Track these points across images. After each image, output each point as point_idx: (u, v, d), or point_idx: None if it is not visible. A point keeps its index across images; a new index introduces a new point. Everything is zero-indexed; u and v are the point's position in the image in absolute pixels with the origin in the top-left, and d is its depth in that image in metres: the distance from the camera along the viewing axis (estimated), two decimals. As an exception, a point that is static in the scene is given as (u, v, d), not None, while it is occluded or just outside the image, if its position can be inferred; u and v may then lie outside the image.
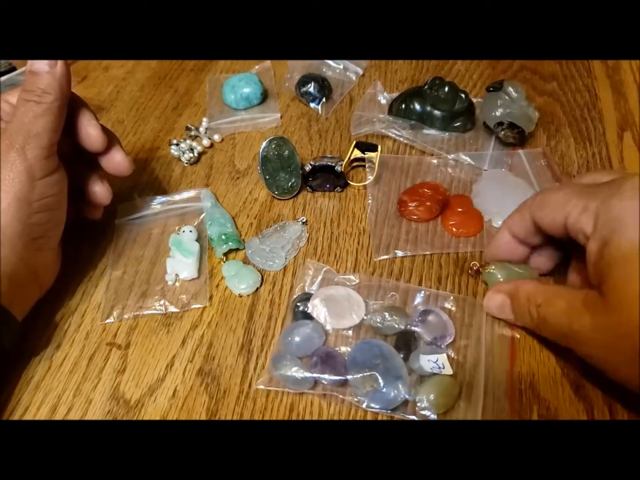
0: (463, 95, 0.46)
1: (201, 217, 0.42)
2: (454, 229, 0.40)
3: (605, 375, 0.27)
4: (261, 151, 0.42)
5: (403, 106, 0.47)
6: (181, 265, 0.38)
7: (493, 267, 0.35)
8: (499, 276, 0.35)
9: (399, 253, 0.39)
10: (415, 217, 0.41)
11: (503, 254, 0.35)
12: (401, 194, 0.42)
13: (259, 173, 0.43)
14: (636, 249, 0.24)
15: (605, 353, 0.26)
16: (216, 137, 0.49)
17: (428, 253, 0.39)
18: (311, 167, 0.42)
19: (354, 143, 0.43)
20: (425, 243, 0.39)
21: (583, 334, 0.27)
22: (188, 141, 0.49)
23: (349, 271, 0.38)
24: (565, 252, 0.35)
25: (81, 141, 0.36)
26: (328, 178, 0.43)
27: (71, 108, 0.35)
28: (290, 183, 0.43)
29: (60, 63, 0.33)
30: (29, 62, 0.33)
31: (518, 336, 0.34)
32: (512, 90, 0.45)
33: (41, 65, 0.33)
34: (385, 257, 0.39)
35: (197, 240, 0.40)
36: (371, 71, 0.55)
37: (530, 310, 0.31)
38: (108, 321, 0.37)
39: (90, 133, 0.36)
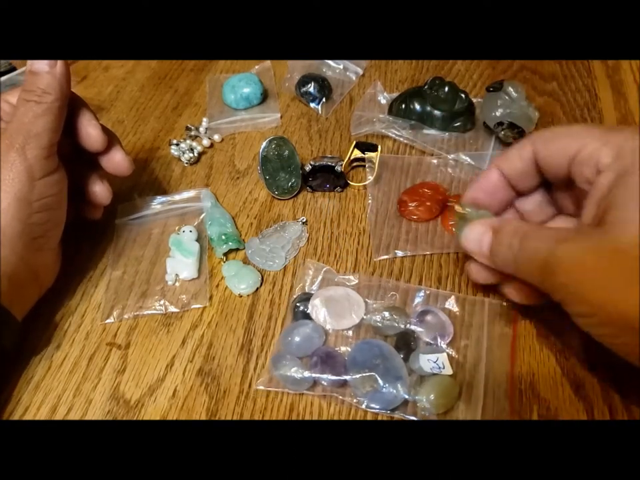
0: (463, 95, 0.46)
1: (201, 217, 0.42)
2: (454, 229, 0.40)
3: (584, 318, 0.25)
4: (260, 150, 0.42)
5: (403, 106, 0.47)
6: (181, 265, 0.38)
7: (469, 209, 0.31)
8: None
9: (399, 253, 0.39)
10: (414, 217, 0.41)
11: (486, 195, 0.32)
12: (401, 194, 0.42)
13: (259, 173, 0.43)
14: None
15: (593, 276, 0.23)
16: (216, 137, 0.49)
17: (428, 253, 0.39)
18: (310, 166, 0.42)
19: (354, 143, 0.43)
20: (424, 242, 0.39)
21: (568, 258, 0.24)
22: (188, 141, 0.49)
23: (348, 271, 0.38)
24: (552, 206, 0.32)
25: (81, 141, 0.36)
26: (328, 178, 0.43)
27: (71, 108, 0.35)
28: (290, 183, 0.43)
29: (60, 63, 0.33)
30: (29, 62, 0.33)
31: (518, 336, 0.34)
32: (512, 90, 0.45)
33: (41, 65, 0.33)
34: (385, 256, 0.39)
35: (197, 240, 0.40)
36: (371, 70, 0.55)
37: (512, 242, 0.27)
38: (108, 321, 0.37)
39: (90, 132, 0.36)
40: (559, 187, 0.30)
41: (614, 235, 0.23)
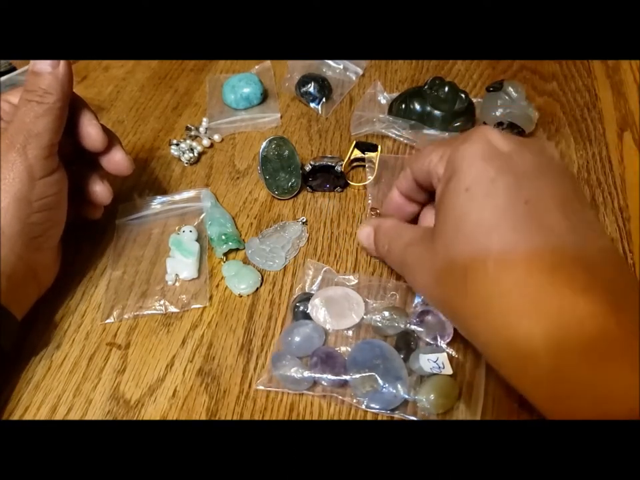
0: (462, 95, 0.46)
1: (201, 217, 0.42)
2: None
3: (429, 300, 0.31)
4: (260, 151, 0.42)
5: (403, 106, 0.47)
6: (181, 265, 0.38)
7: None
8: None
9: None
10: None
11: (394, 211, 0.36)
12: None
13: (259, 173, 0.43)
14: (465, 187, 0.26)
15: (420, 272, 0.29)
16: (216, 137, 0.49)
17: None
18: (310, 166, 0.42)
19: (354, 143, 0.43)
20: None
21: (410, 259, 0.30)
22: (188, 141, 0.49)
23: (348, 271, 0.38)
24: None
25: (82, 141, 0.36)
26: (328, 178, 0.43)
27: (71, 108, 0.35)
28: (290, 183, 0.43)
29: (62, 63, 0.33)
30: (31, 62, 0.33)
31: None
32: (512, 90, 0.45)
33: (43, 66, 0.33)
34: None
35: (197, 240, 0.40)
36: (371, 70, 0.55)
37: (384, 242, 0.33)
38: (108, 321, 0.37)
39: (90, 132, 0.36)
40: None
41: (437, 239, 0.27)
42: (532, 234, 0.24)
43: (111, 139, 0.37)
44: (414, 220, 0.36)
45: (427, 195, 0.34)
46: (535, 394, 0.24)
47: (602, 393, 0.21)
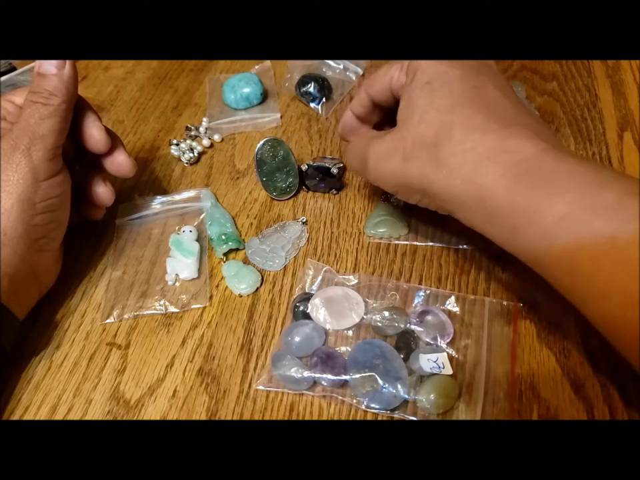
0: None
1: (201, 217, 0.42)
2: (456, 222, 0.39)
3: (391, 191, 0.34)
4: (255, 153, 0.42)
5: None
6: (181, 265, 0.38)
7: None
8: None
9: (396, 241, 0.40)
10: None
11: (349, 131, 0.39)
12: None
13: (256, 175, 0.43)
14: (426, 80, 0.31)
15: (383, 159, 0.32)
16: (216, 137, 0.49)
17: (423, 244, 0.39)
18: (307, 167, 0.42)
19: None
20: (422, 235, 0.40)
21: (373, 149, 0.33)
22: (188, 141, 0.49)
23: (348, 271, 0.38)
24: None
25: (84, 142, 0.36)
26: (324, 179, 0.43)
27: (74, 109, 0.35)
28: (287, 184, 0.43)
29: (68, 65, 0.33)
30: (37, 63, 0.33)
31: (518, 336, 0.34)
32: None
33: (49, 67, 0.33)
34: (379, 240, 0.40)
35: (197, 240, 0.40)
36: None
37: (351, 152, 0.37)
38: (108, 321, 0.37)
39: (93, 134, 0.36)
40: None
41: (401, 129, 0.31)
42: (482, 108, 0.29)
43: (114, 141, 0.37)
44: None
45: (380, 115, 0.38)
46: (496, 230, 0.28)
47: (547, 221, 0.25)
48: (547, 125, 0.32)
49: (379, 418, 0.31)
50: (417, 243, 0.39)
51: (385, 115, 0.38)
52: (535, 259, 0.27)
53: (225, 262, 0.39)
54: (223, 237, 0.40)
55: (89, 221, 0.41)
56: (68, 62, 0.33)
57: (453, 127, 0.29)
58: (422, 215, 0.40)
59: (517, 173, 0.26)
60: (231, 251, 0.40)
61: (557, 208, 0.25)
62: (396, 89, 0.34)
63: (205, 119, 0.51)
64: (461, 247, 0.39)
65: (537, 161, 0.26)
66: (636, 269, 0.23)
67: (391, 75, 0.34)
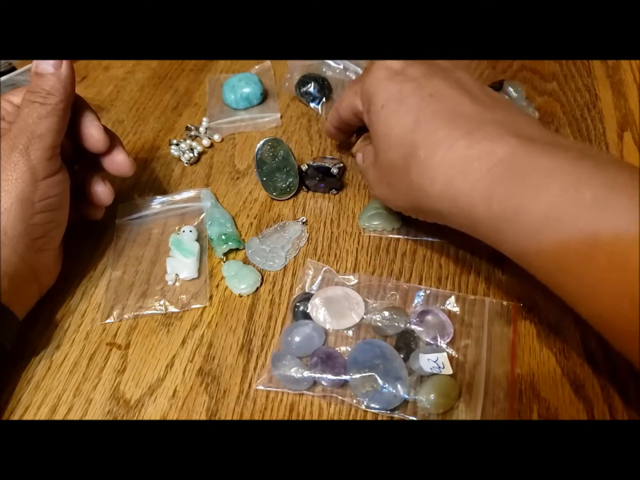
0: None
1: (201, 217, 0.42)
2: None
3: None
4: (255, 153, 0.42)
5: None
6: (181, 265, 0.38)
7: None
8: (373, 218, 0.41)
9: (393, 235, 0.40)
10: None
11: (333, 135, 0.43)
12: None
13: (256, 175, 0.43)
14: (381, 105, 0.31)
15: (378, 184, 0.34)
16: (216, 137, 0.49)
17: (423, 238, 0.39)
18: (307, 167, 0.42)
19: None
20: (415, 229, 0.40)
21: (370, 180, 0.35)
22: (188, 141, 0.49)
23: (348, 271, 0.38)
24: None
25: (83, 142, 0.36)
26: (324, 179, 0.43)
27: (73, 109, 0.35)
28: (287, 184, 0.43)
29: (65, 64, 0.33)
30: (34, 63, 0.33)
31: (518, 336, 0.34)
32: (512, 90, 0.45)
33: (46, 67, 0.33)
34: (374, 234, 0.40)
35: (197, 240, 0.40)
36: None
37: (364, 163, 0.37)
38: (108, 321, 0.37)
39: (92, 133, 0.36)
40: None
41: (378, 158, 0.32)
42: (444, 116, 0.29)
43: (113, 140, 0.37)
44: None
45: (355, 127, 0.40)
46: (483, 236, 0.28)
47: (529, 222, 0.25)
48: (515, 107, 0.31)
49: (379, 418, 0.31)
50: (410, 237, 0.40)
51: (360, 128, 0.40)
52: (523, 259, 0.27)
53: (224, 262, 0.39)
54: (223, 237, 0.40)
55: (88, 220, 0.41)
56: (65, 61, 0.33)
57: (418, 147, 0.29)
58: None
59: (491, 180, 0.26)
60: (231, 250, 0.40)
61: (537, 208, 0.24)
62: (358, 115, 0.36)
63: (204, 119, 0.51)
64: (453, 242, 0.39)
65: (510, 163, 0.26)
66: (623, 264, 0.22)
67: (349, 101, 0.36)
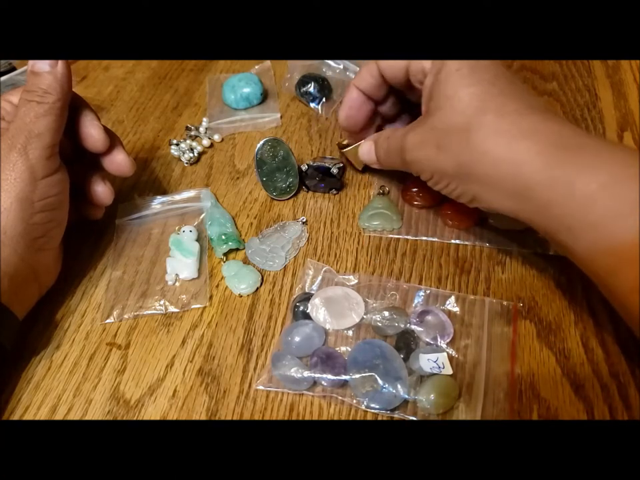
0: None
1: (201, 217, 0.42)
2: (448, 220, 0.40)
3: (429, 180, 0.35)
4: (255, 153, 0.42)
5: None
6: (181, 265, 0.38)
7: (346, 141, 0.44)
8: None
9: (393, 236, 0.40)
10: (416, 203, 0.41)
11: (353, 111, 0.40)
12: (408, 181, 0.42)
13: (256, 175, 0.43)
14: (456, 68, 0.32)
15: (421, 148, 0.33)
16: (216, 137, 0.49)
17: (423, 238, 0.39)
18: (307, 167, 0.42)
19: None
20: (415, 230, 0.40)
21: (410, 140, 0.34)
22: (188, 141, 0.49)
23: (348, 270, 0.38)
24: (403, 104, 0.41)
25: (83, 142, 0.36)
26: (324, 179, 0.43)
27: (73, 108, 0.35)
28: (287, 184, 0.43)
29: (61, 63, 0.33)
30: (30, 62, 0.33)
31: (518, 336, 0.34)
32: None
33: (42, 65, 0.33)
34: (374, 234, 0.40)
35: (197, 240, 0.40)
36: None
37: (383, 144, 0.38)
38: (108, 321, 0.37)
39: (92, 133, 0.36)
40: (406, 91, 0.39)
41: (431, 118, 0.33)
42: (514, 96, 0.31)
43: (113, 140, 0.37)
44: (367, 127, 0.42)
45: (386, 91, 0.39)
46: (528, 207, 0.29)
47: (584, 194, 0.27)
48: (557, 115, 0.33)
49: (379, 418, 0.31)
50: (410, 237, 0.40)
51: (389, 92, 0.39)
52: (568, 232, 0.28)
53: (224, 262, 0.39)
54: (223, 237, 0.40)
55: (88, 220, 0.41)
56: (60, 60, 0.33)
57: (487, 112, 0.30)
58: (416, 210, 0.41)
59: (555, 150, 0.28)
60: (231, 250, 0.40)
61: (596, 178, 0.26)
62: (415, 72, 0.34)
63: (204, 119, 0.51)
64: (453, 241, 0.39)
65: (573, 140, 0.28)
66: None
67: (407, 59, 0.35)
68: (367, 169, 0.44)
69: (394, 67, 0.36)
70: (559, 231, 0.28)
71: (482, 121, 0.30)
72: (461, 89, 0.31)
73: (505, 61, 0.54)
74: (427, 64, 0.33)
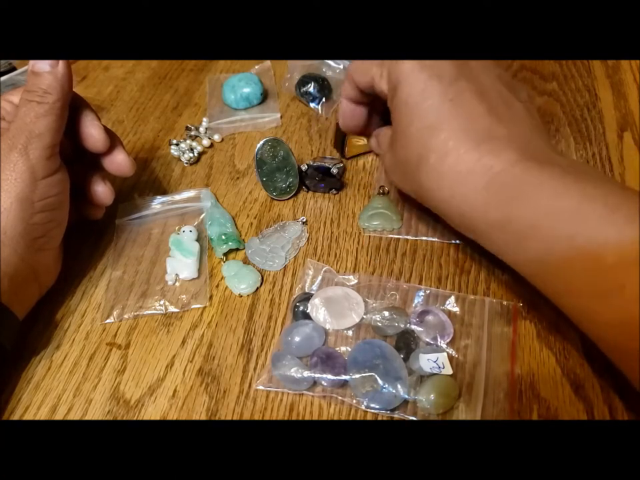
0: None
1: (201, 217, 0.42)
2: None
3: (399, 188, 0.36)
4: (255, 153, 0.42)
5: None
6: (181, 265, 0.38)
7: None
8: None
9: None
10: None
11: (349, 118, 0.40)
12: None
13: (256, 175, 0.43)
14: (404, 100, 0.32)
15: (393, 170, 0.35)
16: (216, 137, 0.49)
17: (423, 238, 0.39)
18: (307, 167, 0.42)
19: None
20: (416, 230, 0.40)
21: (385, 161, 0.36)
22: (188, 141, 0.49)
23: (348, 270, 0.38)
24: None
25: (83, 142, 0.36)
26: (324, 179, 0.43)
27: (73, 108, 0.35)
28: (287, 184, 0.43)
29: (61, 63, 0.33)
30: (30, 62, 0.33)
31: (518, 336, 0.34)
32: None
33: (43, 65, 0.33)
34: (374, 234, 0.40)
35: (197, 240, 0.40)
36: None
37: (381, 147, 0.38)
38: (108, 321, 0.37)
39: (92, 133, 0.36)
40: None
41: (395, 146, 0.34)
42: (460, 123, 0.30)
43: (113, 140, 0.37)
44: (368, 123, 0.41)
45: (372, 97, 0.38)
46: (479, 240, 0.31)
47: (520, 225, 0.28)
48: (529, 120, 0.32)
49: (379, 418, 0.31)
50: (410, 237, 0.40)
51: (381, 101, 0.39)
52: (516, 266, 0.30)
53: (224, 262, 0.39)
54: (223, 237, 0.40)
55: (88, 220, 0.41)
56: (61, 60, 0.33)
57: (430, 151, 0.30)
58: (416, 210, 0.41)
59: (489, 192, 0.28)
60: (231, 250, 0.40)
61: (525, 217, 0.27)
62: (378, 90, 0.35)
63: (204, 119, 0.51)
64: (454, 242, 0.39)
65: (507, 177, 0.28)
66: (597, 265, 0.25)
67: (373, 75, 0.35)
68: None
69: (364, 83, 0.36)
70: (509, 260, 0.30)
71: (426, 161, 0.30)
72: (411, 123, 0.31)
73: (505, 61, 0.54)
74: (384, 86, 0.34)
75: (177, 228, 0.41)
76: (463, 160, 0.29)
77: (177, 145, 0.48)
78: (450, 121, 0.30)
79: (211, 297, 0.38)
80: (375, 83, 0.35)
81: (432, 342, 0.33)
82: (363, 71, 0.36)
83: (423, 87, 0.31)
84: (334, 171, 0.41)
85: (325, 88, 0.51)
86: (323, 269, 0.38)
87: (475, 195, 0.29)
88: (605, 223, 0.25)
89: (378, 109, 0.41)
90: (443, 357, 0.32)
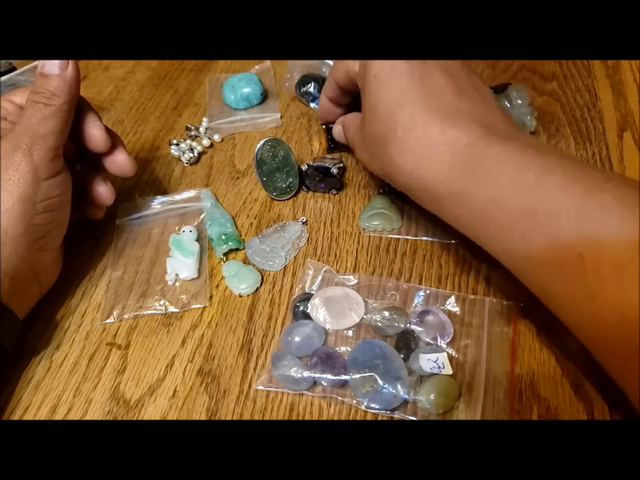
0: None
1: (201, 217, 0.42)
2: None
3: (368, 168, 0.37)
4: (255, 153, 0.42)
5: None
6: (181, 265, 0.38)
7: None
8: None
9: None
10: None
11: (326, 114, 0.43)
12: None
13: (255, 175, 0.43)
14: (374, 74, 0.33)
15: (362, 149, 0.36)
16: (216, 137, 0.49)
17: (416, 238, 0.40)
18: (307, 167, 0.42)
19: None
20: (416, 229, 0.40)
21: (356, 145, 0.38)
22: (188, 141, 0.49)
23: (348, 270, 0.38)
24: None
25: (85, 142, 0.36)
26: (324, 179, 0.43)
27: (75, 109, 0.35)
28: (287, 184, 0.43)
29: (71, 66, 0.33)
30: (40, 63, 0.33)
31: (518, 336, 0.34)
32: (515, 95, 0.45)
33: (52, 68, 0.33)
34: (374, 234, 0.40)
35: (197, 240, 0.40)
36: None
37: (346, 131, 0.40)
38: (108, 321, 0.37)
39: (94, 133, 0.36)
40: None
41: (364, 124, 0.34)
42: (427, 99, 0.31)
43: (114, 140, 0.37)
44: None
45: (350, 97, 0.40)
46: (445, 217, 0.31)
47: (481, 205, 0.28)
48: (494, 103, 0.33)
49: (379, 418, 0.31)
50: (410, 237, 0.40)
51: (356, 97, 0.40)
52: (477, 240, 0.30)
53: (224, 262, 0.39)
54: (223, 237, 0.40)
55: (89, 220, 0.41)
56: (71, 63, 0.33)
57: (397, 125, 0.31)
58: (417, 210, 0.40)
59: (453, 164, 0.29)
60: (231, 250, 0.40)
61: (487, 188, 0.27)
62: (352, 77, 0.36)
63: (204, 119, 0.51)
64: (454, 242, 0.39)
65: (471, 149, 0.28)
66: (555, 233, 0.25)
67: (346, 64, 0.37)
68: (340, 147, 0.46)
69: (341, 76, 0.38)
70: (475, 238, 0.30)
71: (394, 136, 0.31)
72: (379, 96, 0.32)
73: (505, 61, 0.54)
74: (356, 67, 0.35)
75: (177, 228, 0.41)
76: (428, 133, 0.30)
77: (177, 145, 0.48)
78: (418, 95, 0.31)
79: (211, 297, 0.38)
80: (348, 70, 0.36)
81: (432, 342, 0.33)
82: (340, 67, 0.38)
83: (392, 63, 0.32)
84: (334, 171, 0.41)
85: (325, 88, 0.51)
86: (323, 269, 0.38)
87: (438, 167, 0.29)
88: (564, 195, 0.25)
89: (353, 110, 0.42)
90: (443, 357, 0.32)
